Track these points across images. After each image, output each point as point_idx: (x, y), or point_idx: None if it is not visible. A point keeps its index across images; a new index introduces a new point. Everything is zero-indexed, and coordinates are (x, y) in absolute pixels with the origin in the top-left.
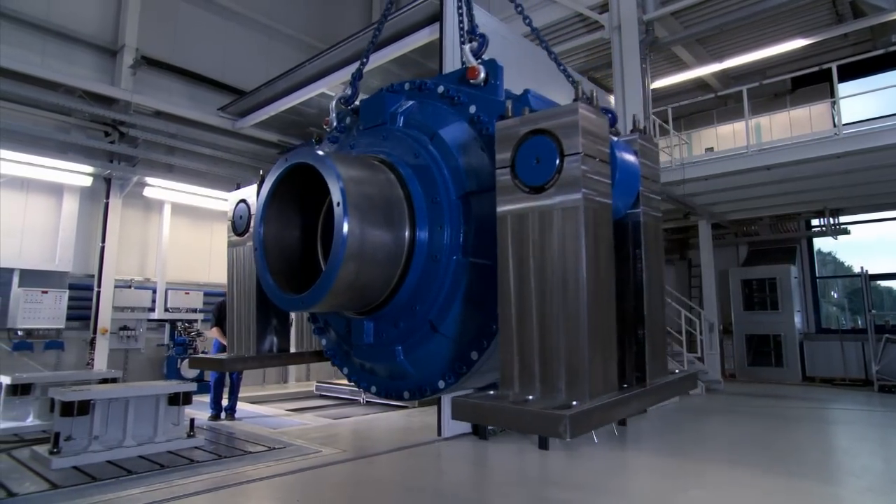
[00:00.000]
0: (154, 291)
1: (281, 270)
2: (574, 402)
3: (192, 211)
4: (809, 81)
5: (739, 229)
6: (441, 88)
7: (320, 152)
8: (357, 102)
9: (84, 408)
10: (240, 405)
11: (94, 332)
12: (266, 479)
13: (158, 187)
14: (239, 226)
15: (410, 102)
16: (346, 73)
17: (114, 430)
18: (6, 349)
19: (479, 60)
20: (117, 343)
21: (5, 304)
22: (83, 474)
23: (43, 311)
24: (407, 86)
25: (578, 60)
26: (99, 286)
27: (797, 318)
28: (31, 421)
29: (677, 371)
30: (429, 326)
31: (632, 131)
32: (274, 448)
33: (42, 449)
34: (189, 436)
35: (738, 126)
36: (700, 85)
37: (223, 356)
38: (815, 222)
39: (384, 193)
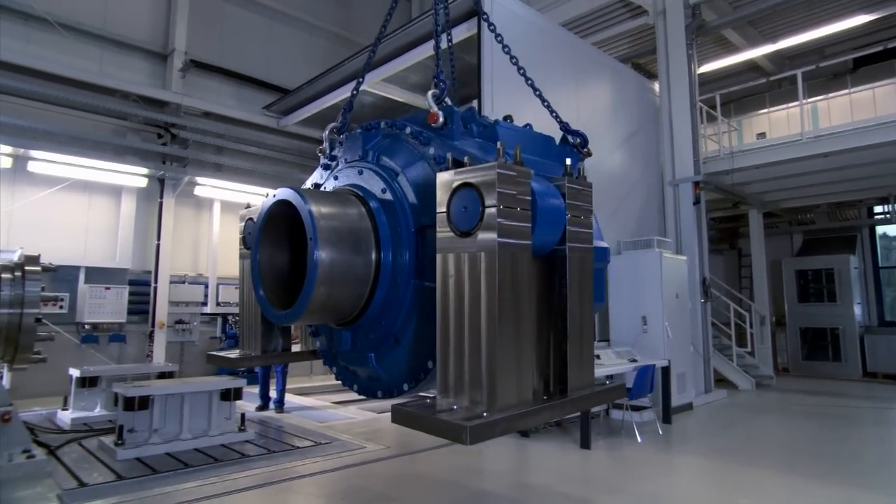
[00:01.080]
0: (206, 286)
1: (274, 287)
2: (485, 413)
3: (241, 208)
4: (873, 60)
5: (794, 217)
6: (408, 130)
7: (298, 192)
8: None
9: (144, 403)
10: (288, 397)
11: (153, 325)
12: (312, 476)
13: (208, 186)
14: (248, 241)
15: (384, 141)
16: (385, 71)
17: (171, 424)
18: (75, 342)
19: (441, 106)
20: (173, 336)
21: (73, 299)
22: (145, 466)
23: (106, 307)
24: (382, 124)
25: (622, 48)
26: (156, 282)
27: (857, 311)
28: (98, 411)
29: (608, 382)
30: (393, 339)
31: (563, 175)
32: (320, 443)
33: (108, 440)
34: (240, 430)
35: (794, 110)
36: (751, 67)
37: (234, 355)
38: (878, 209)
39: (353, 226)
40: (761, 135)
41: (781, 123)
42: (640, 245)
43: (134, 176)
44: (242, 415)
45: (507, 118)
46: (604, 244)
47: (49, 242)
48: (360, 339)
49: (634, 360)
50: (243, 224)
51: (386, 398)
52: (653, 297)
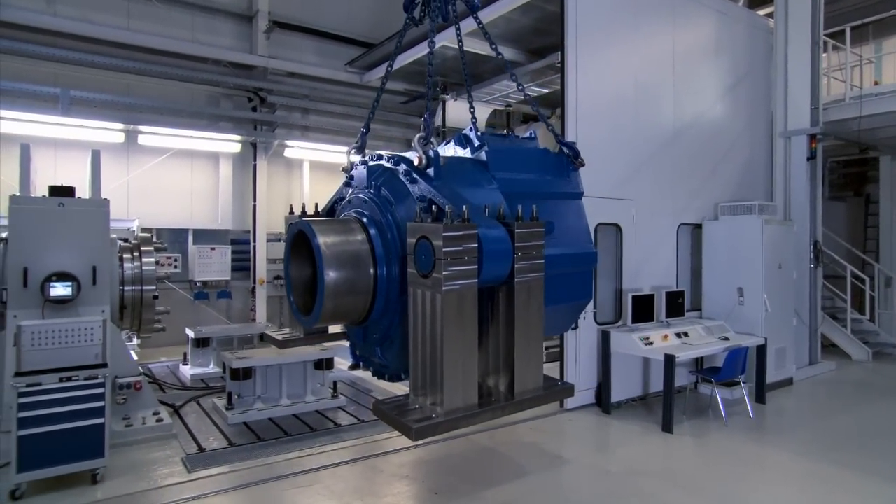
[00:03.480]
0: None
1: (303, 293)
2: (433, 414)
3: (329, 167)
4: None
5: None
6: (402, 167)
7: (311, 226)
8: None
9: (248, 373)
10: None
11: (254, 282)
12: (396, 452)
13: (297, 147)
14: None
15: (384, 174)
16: (467, 25)
17: (272, 390)
18: (190, 298)
19: (425, 149)
20: (273, 291)
21: (185, 259)
22: (251, 432)
23: (213, 266)
24: (384, 159)
25: None
26: (254, 241)
27: None
28: (211, 367)
29: (559, 384)
30: (390, 339)
31: (517, 219)
32: None
33: (220, 402)
34: (333, 397)
35: None
36: None
37: (283, 335)
38: None
39: (354, 251)
40: None
41: None
42: (739, 210)
43: (229, 142)
44: (335, 383)
45: (509, 132)
46: (591, 249)
47: (160, 208)
48: (368, 336)
49: (726, 338)
50: (287, 227)
51: (392, 381)
52: (751, 268)
